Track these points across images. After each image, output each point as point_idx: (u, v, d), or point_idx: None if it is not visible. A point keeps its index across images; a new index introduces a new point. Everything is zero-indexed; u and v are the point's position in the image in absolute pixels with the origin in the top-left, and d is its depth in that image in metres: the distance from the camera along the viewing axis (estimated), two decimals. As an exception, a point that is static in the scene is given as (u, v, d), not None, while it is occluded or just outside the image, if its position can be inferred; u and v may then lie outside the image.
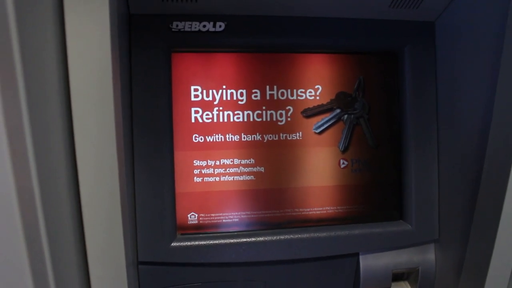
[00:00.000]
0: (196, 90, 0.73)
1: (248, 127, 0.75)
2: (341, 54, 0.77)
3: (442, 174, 0.77)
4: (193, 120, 0.73)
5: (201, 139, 0.73)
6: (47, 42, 0.43)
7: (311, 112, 0.77)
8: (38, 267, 0.39)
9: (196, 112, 0.73)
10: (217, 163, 0.74)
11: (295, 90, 0.76)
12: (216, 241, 0.71)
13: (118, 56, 0.52)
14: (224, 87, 0.74)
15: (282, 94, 0.76)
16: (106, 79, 0.47)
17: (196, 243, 0.70)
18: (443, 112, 0.76)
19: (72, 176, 0.49)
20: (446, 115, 0.75)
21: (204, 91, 0.73)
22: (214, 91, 0.73)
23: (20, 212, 0.36)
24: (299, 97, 0.76)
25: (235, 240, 0.71)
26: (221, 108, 0.74)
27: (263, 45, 0.74)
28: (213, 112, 0.73)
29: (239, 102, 0.74)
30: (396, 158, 0.79)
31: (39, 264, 0.40)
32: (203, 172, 0.73)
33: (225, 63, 0.74)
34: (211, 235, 0.72)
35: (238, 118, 0.74)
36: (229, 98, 0.74)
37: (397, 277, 0.82)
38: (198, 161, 0.73)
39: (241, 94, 0.74)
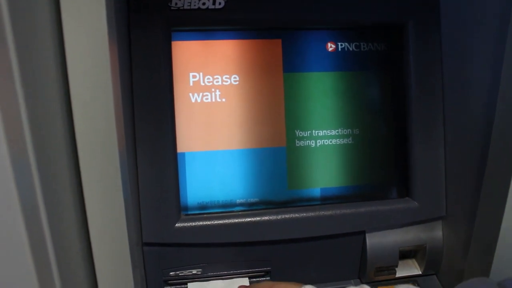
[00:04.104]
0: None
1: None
2: (343, 29, 0.76)
3: (449, 150, 0.76)
4: (193, 100, 0.72)
5: (203, 118, 0.72)
6: (42, 28, 0.42)
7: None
8: (40, 250, 0.40)
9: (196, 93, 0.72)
10: None
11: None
12: (221, 221, 0.71)
13: (115, 36, 0.51)
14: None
15: None
16: (104, 62, 0.46)
17: (200, 223, 0.70)
18: (449, 87, 0.74)
19: (73, 158, 0.49)
20: (452, 90, 0.74)
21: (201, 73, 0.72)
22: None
23: (19, 198, 0.36)
24: None
25: (240, 220, 0.71)
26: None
27: (263, 22, 0.72)
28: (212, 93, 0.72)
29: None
30: (402, 135, 0.78)
31: (40, 247, 0.40)
32: None
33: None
34: (215, 215, 0.72)
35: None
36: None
37: (404, 254, 0.82)
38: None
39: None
